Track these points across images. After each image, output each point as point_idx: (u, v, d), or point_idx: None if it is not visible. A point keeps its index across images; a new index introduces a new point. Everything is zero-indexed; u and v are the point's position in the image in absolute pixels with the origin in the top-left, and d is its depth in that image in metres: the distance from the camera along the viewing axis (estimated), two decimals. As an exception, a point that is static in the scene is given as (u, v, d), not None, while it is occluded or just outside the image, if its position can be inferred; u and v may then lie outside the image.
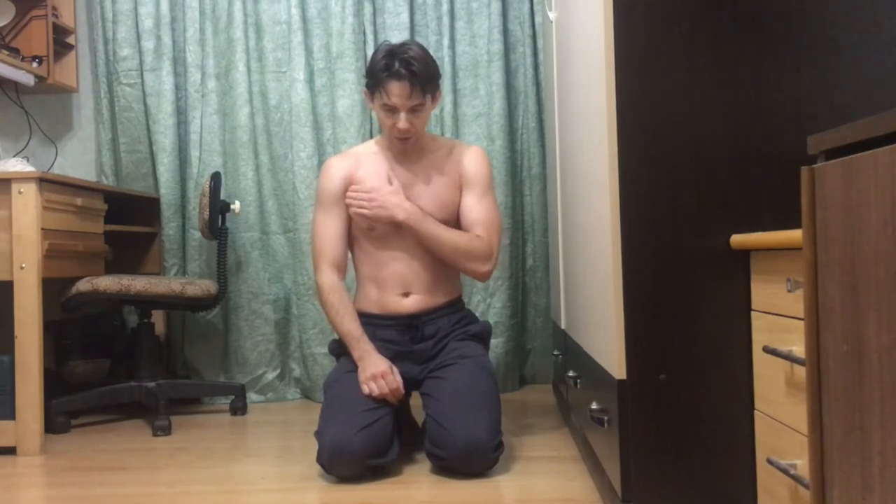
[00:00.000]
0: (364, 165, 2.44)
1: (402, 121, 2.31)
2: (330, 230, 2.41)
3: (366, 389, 2.25)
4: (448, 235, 2.37)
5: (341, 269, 2.42)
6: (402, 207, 2.34)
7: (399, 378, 2.29)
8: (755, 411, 1.55)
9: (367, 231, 2.41)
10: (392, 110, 2.31)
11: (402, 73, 2.26)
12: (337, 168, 2.45)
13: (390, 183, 2.37)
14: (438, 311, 2.44)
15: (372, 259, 2.43)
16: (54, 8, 3.37)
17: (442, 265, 2.43)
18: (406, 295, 2.41)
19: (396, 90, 2.27)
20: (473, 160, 2.45)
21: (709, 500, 1.58)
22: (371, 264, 2.44)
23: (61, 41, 3.44)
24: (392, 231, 2.39)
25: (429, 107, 2.37)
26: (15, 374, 2.55)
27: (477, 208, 2.41)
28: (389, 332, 2.41)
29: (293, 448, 2.62)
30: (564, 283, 2.58)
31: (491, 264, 2.40)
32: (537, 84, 3.51)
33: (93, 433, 2.90)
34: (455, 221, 2.45)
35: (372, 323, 2.43)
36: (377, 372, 2.26)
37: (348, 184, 2.41)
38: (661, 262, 1.58)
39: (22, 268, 2.54)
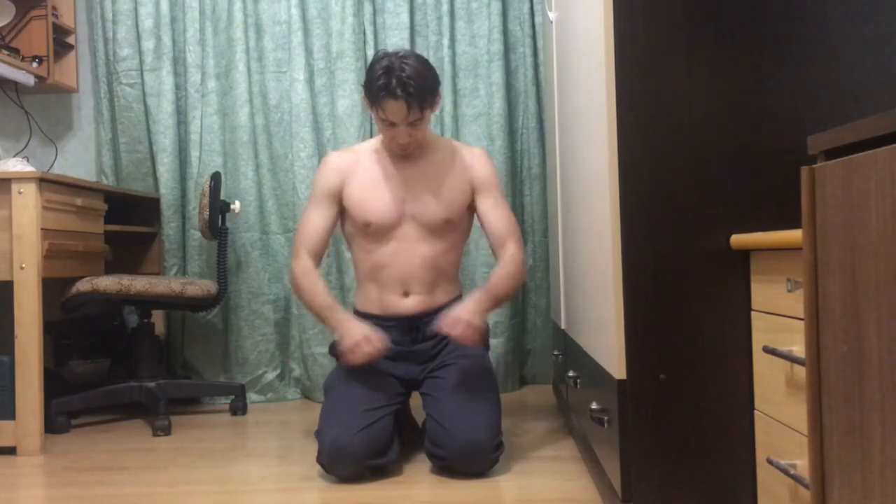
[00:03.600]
0: (363, 163, 2.44)
1: (402, 135, 2.31)
2: (317, 222, 2.41)
3: (351, 358, 2.28)
4: (505, 288, 2.35)
5: (318, 259, 2.42)
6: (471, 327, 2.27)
7: (380, 337, 2.28)
8: (755, 411, 1.55)
9: (363, 228, 2.41)
10: (391, 125, 2.31)
11: (399, 94, 2.22)
12: (334, 164, 2.45)
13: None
14: (439, 312, 2.44)
15: (370, 258, 2.43)
16: (54, 8, 3.37)
17: (441, 264, 2.43)
18: (406, 295, 2.41)
19: (394, 109, 2.25)
20: (482, 163, 2.45)
21: (709, 500, 1.58)
22: (370, 264, 2.43)
23: (61, 41, 3.44)
24: (389, 228, 2.39)
25: (428, 117, 2.36)
26: (15, 374, 2.55)
27: (497, 213, 2.41)
28: (390, 332, 2.40)
29: (293, 448, 2.62)
30: (564, 283, 2.57)
31: (526, 264, 2.50)
32: (537, 84, 3.51)
33: (93, 433, 2.90)
34: (459, 221, 2.44)
35: (373, 323, 2.43)
36: (358, 338, 2.27)
37: (344, 180, 2.42)
38: (661, 262, 1.58)
39: (22, 268, 2.54)
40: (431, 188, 2.41)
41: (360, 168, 2.43)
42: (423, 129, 2.36)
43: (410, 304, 2.41)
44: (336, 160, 2.47)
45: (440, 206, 2.39)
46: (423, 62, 2.33)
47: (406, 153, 2.40)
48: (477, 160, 2.45)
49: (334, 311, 2.36)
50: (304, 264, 2.38)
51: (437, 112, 3.38)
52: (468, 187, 2.43)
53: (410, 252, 2.39)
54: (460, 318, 2.24)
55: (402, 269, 2.40)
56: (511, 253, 2.37)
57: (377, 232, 2.40)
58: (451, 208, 2.41)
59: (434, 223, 2.39)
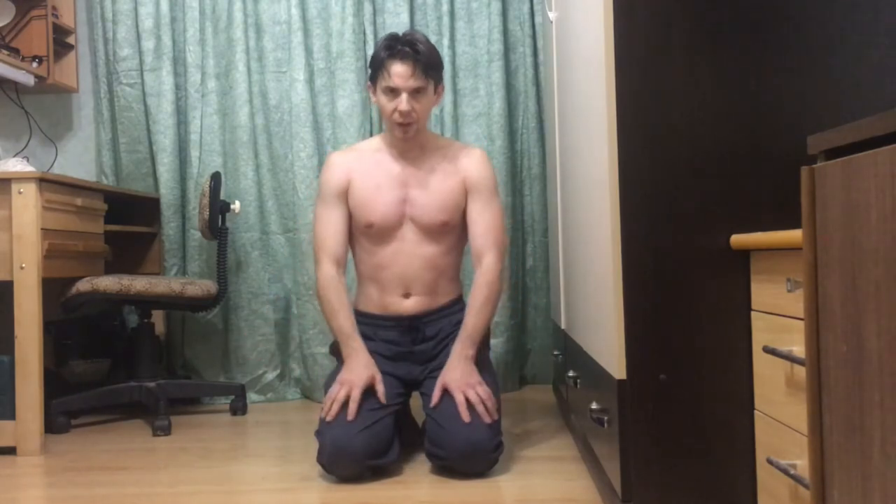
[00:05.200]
0: (365, 162, 2.43)
1: (404, 102, 2.28)
2: (331, 224, 2.39)
3: (335, 388, 2.23)
4: (481, 322, 2.34)
5: (341, 264, 2.39)
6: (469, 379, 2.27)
7: (382, 388, 2.24)
8: (755, 411, 1.55)
9: (365, 229, 2.40)
10: (394, 92, 2.29)
11: (406, 51, 2.26)
12: (338, 163, 2.44)
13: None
14: (439, 312, 2.43)
15: (372, 259, 2.42)
16: (54, 8, 3.37)
17: (442, 266, 2.42)
18: (406, 296, 2.40)
19: (399, 69, 2.26)
20: (478, 165, 2.42)
21: (709, 500, 1.58)
22: (371, 264, 2.43)
23: (61, 41, 3.44)
24: (390, 230, 2.38)
25: (431, 96, 2.35)
26: (15, 374, 2.55)
27: (482, 219, 2.39)
28: (391, 333, 2.41)
29: (293, 448, 2.62)
30: (564, 283, 2.58)
31: (502, 280, 2.44)
32: (537, 84, 3.51)
33: (93, 433, 2.90)
34: (457, 223, 2.42)
35: (373, 323, 2.43)
36: (354, 381, 2.23)
37: (349, 178, 2.40)
38: (661, 262, 1.58)
39: (22, 268, 2.54)
40: (430, 191, 2.39)
41: (363, 167, 2.42)
42: (425, 107, 2.35)
43: (411, 304, 2.41)
44: (339, 159, 2.46)
45: (438, 209, 2.38)
46: (429, 40, 2.38)
47: (407, 131, 2.33)
48: (474, 162, 2.42)
49: (352, 339, 2.31)
50: (327, 274, 2.36)
51: (436, 109, 3.39)
52: (463, 189, 2.41)
53: (411, 254, 2.39)
54: (458, 387, 2.22)
55: (403, 271, 2.39)
56: (485, 269, 2.35)
57: (378, 233, 2.39)
58: (447, 211, 2.39)
59: (432, 226, 2.38)
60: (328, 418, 2.19)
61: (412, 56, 2.26)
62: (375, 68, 2.33)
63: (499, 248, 2.39)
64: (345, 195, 2.40)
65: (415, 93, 2.29)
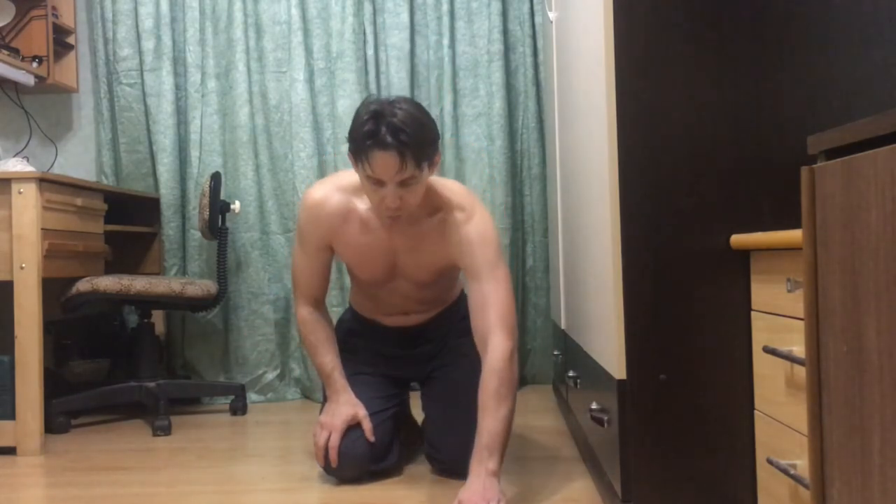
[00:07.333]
0: (350, 221, 2.11)
1: (391, 197, 1.91)
2: (309, 270, 2.21)
3: (317, 433, 2.16)
4: (500, 417, 1.93)
5: (319, 302, 2.26)
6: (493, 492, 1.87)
7: (368, 425, 2.14)
8: (755, 411, 1.55)
9: (358, 274, 2.29)
10: (378, 183, 1.91)
11: (389, 141, 1.83)
12: (320, 217, 2.12)
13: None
14: (439, 319, 2.41)
15: (367, 293, 2.35)
16: (54, 8, 3.37)
17: (440, 292, 2.35)
18: (405, 314, 2.36)
19: (382, 162, 1.86)
20: (475, 242, 2.04)
21: (709, 500, 1.58)
22: (367, 294, 2.35)
23: (61, 41, 3.44)
24: (387, 275, 2.23)
25: (425, 177, 1.96)
26: (15, 374, 2.55)
27: (482, 295, 2.01)
28: (389, 339, 2.39)
29: (293, 448, 2.62)
30: (564, 283, 2.58)
31: (514, 362, 2.01)
32: (537, 84, 3.52)
33: (93, 433, 2.90)
34: (449, 278, 2.30)
35: (372, 329, 2.41)
36: (335, 424, 2.13)
37: (333, 236, 2.14)
38: (661, 262, 1.58)
39: (22, 268, 2.54)
40: (421, 260, 2.17)
41: (347, 228, 2.12)
42: (417, 194, 1.96)
43: (410, 320, 2.37)
44: (320, 212, 2.12)
45: (431, 272, 2.20)
46: (420, 108, 1.96)
47: (395, 222, 2.02)
48: (470, 239, 2.04)
49: (331, 378, 2.20)
50: (304, 313, 2.23)
51: (436, 110, 3.39)
52: (455, 264, 2.13)
53: (406, 295, 2.29)
54: None
55: (401, 301, 2.31)
56: (492, 356, 1.96)
57: (373, 279, 2.26)
58: (440, 272, 2.21)
59: (426, 282, 2.25)
60: (321, 465, 2.17)
61: (397, 147, 1.84)
62: (356, 149, 1.91)
63: (506, 325, 1.99)
64: (327, 248, 2.18)
65: (403, 183, 1.90)
